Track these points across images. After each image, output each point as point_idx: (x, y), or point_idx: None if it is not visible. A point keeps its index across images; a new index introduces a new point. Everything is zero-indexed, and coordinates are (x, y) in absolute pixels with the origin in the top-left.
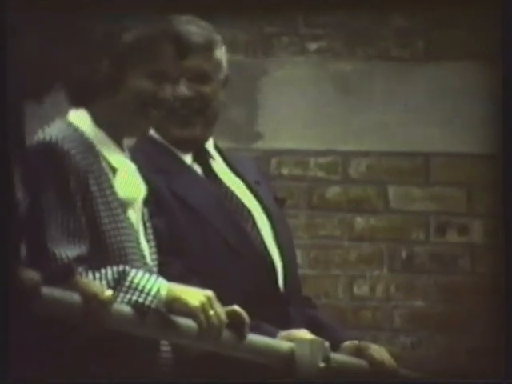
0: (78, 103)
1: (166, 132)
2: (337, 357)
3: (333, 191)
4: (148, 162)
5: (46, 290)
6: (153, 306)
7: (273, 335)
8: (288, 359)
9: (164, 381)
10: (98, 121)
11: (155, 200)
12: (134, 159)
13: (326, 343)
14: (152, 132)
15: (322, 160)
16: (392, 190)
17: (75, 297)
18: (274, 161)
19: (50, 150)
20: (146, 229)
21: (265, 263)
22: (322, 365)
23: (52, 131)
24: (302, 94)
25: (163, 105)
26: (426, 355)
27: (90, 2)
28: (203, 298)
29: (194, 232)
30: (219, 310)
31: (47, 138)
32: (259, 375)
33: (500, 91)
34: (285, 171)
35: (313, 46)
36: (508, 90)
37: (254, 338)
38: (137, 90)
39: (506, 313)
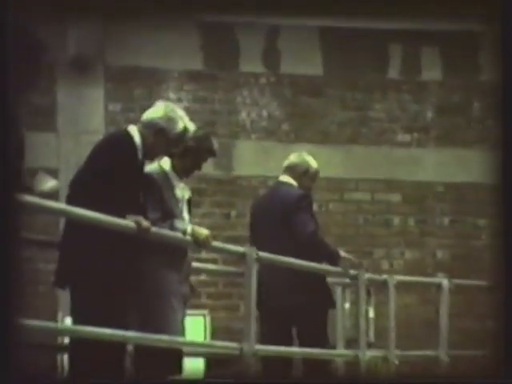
0: (169, 157)
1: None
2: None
3: None
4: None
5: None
6: (187, 234)
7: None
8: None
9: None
10: (172, 166)
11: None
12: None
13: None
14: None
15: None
16: None
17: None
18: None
19: (150, 178)
20: (188, 209)
21: None
22: (256, 256)
23: (151, 168)
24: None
25: (194, 172)
26: None
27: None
28: (205, 234)
29: None
30: (210, 240)
31: (149, 171)
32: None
33: None
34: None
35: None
36: None
37: (224, 245)
38: (188, 165)
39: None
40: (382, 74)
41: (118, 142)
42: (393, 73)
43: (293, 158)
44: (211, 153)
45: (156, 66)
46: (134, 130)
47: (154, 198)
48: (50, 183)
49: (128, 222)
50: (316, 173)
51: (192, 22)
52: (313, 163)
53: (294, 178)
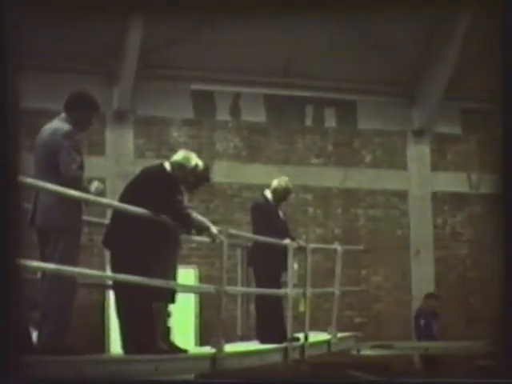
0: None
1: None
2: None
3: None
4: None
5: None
6: (210, 232)
7: None
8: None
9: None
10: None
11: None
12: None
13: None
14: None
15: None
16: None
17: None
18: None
19: (180, 188)
20: None
21: None
22: (227, 233)
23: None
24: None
25: (194, 190)
26: None
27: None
28: (215, 232)
29: None
30: (219, 235)
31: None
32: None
33: None
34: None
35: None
36: None
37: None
38: (193, 185)
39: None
40: (301, 123)
41: (160, 174)
42: (308, 122)
43: (274, 181)
44: (208, 181)
45: (165, 116)
46: (167, 165)
47: (182, 198)
48: (95, 185)
49: (159, 217)
50: (283, 190)
51: (187, 90)
52: (282, 184)
53: (270, 191)
